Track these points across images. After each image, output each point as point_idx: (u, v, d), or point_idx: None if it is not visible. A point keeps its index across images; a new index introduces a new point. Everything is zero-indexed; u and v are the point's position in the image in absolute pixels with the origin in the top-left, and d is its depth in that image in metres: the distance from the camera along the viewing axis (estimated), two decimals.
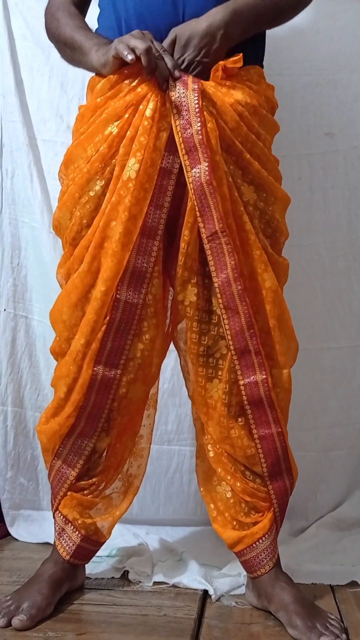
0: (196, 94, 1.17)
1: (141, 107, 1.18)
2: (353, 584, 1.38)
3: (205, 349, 1.25)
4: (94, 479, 1.31)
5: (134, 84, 1.20)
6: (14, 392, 1.72)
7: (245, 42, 1.24)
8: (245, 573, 1.31)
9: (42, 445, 1.33)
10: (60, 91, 1.72)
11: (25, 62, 1.71)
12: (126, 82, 1.20)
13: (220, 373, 1.25)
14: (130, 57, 1.13)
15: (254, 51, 1.29)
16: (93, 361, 1.22)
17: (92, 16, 1.35)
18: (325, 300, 1.72)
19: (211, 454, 1.30)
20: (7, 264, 1.72)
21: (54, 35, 1.33)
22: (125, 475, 1.37)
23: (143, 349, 1.26)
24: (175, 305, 1.28)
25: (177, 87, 1.18)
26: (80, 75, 1.56)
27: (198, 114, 1.17)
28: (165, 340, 1.32)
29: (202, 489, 1.34)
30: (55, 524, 1.33)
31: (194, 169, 1.18)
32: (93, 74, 1.29)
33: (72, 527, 1.30)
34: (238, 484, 1.27)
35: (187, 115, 1.17)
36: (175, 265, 1.24)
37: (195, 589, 1.35)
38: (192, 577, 1.37)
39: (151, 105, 1.17)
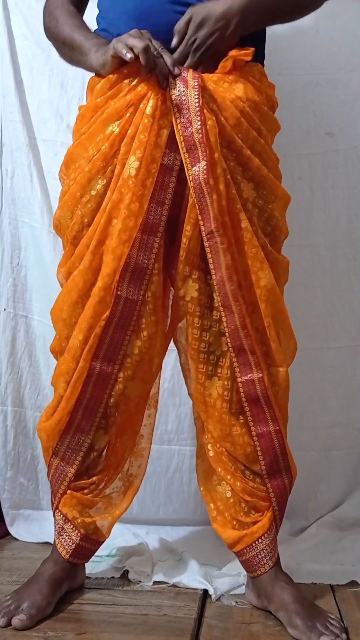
0: (196, 92, 1.17)
1: (142, 105, 1.18)
2: (353, 583, 1.38)
3: (206, 345, 1.25)
4: (93, 478, 1.31)
5: (133, 83, 1.20)
6: (14, 392, 1.72)
7: (246, 40, 1.23)
8: (245, 572, 1.31)
9: (43, 443, 1.33)
10: (60, 91, 1.72)
11: (25, 61, 1.72)
12: (126, 81, 1.20)
13: (220, 370, 1.25)
14: (129, 55, 1.14)
15: (255, 49, 1.28)
16: (91, 355, 1.22)
17: (92, 16, 1.35)
18: (325, 300, 1.72)
19: (211, 454, 1.30)
20: (7, 263, 1.72)
21: (52, 34, 1.33)
22: (126, 474, 1.37)
23: (141, 346, 1.26)
24: (176, 302, 1.28)
25: (178, 85, 1.18)
26: (80, 75, 1.56)
27: (198, 113, 1.17)
28: (165, 339, 1.32)
29: (202, 489, 1.34)
30: (55, 522, 1.33)
31: (194, 167, 1.18)
32: (93, 74, 1.29)
33: (71, 526, 1.30)
34: (238, 484, 1.27)
35: (187, 113, 1.18)
36: (176, 263, 1.25)
37: (195, 589, 1.35)
38: (192, 577, 1.37)
39: (151, 103, 1.18)
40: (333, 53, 1.70)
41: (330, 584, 1.38)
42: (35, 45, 1.69)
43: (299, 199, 1.67)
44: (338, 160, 1.71)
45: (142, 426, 1.38)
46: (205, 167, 1.17)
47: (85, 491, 1.31)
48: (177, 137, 1.18)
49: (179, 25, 1.19)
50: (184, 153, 1.18)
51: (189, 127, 1.17)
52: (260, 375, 1.22)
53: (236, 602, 1.30)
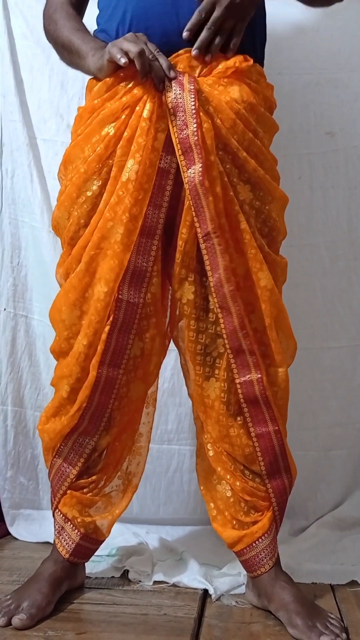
0: (192, 95, 1.17)
1: (138, 108, 1.18)
2: (353, 583, 1.38)
3: (202, 347, 1.25)
4: (93, 477, 1.31)
5: (129, 85, 1.20)
6: (14, 392, 1.72)
7: (246, 40, 1.23)
8: (245, 572, 1.31)
9: (44, 444, 1.33)
10: (61, 90, 1.72)
11: (25, 61, 1.72)
12: (122, 84, 1.21)
13: (217, 372, 1.26)
14: (123, 60, 1.14)
15: (253, 50, 1.29)
16: (98, 362, 1.22)
17: (92, 16, 1.35)
18: (325, 300, 1.72)
19: (211, 453, 1.30)
20: (7, 263, 1.72)
21: (52, 37, 1.33)
22: (125, 473, 1.37)
23: (143, 348, 1.27)
24: (174, 304, 1.28)
25: (173, 88, 1.18)
26: (81, 75, 1.54)
27: (194, 116, 1.17)
28: (164, 339, 1.33)
29: (202, 488, 1.34)
30: (54, 522, 1.33)
31: (190, 170, 1.18)
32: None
33: (71, 525, 1.30)
34: (238, 483, 1.27)
35: (183, 116, 1.17)
36: (173, 264, 1.25)
37: (196, 589, 1.35)
38: (192, 577, 1.37)
39: (148, 106, 1.18)
40: (333, 52, 1.70)
41: (330, 584, 1.38)
42: (35, 44, 1.69)
43: (299, 199, 1.67)
44: (338, 160, 1.71)
45: (140, 424, 1.38)
46: (200, 169, 1.17)
47: (84, 490, 1.31)
48: (173, 140, 1.18)
49: None
50: (180, 155, 1.18)
51: (185, 129, 1.17)
52: (259, 375, 1.22)
53: (236, 601, 1.30)
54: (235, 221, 1.22)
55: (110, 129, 1.20)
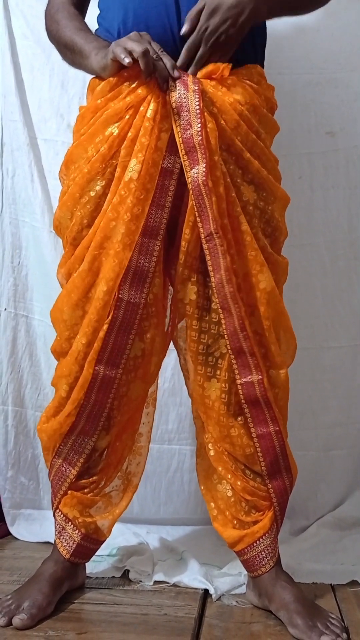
0: (197, 95, 1.17)
1: (141, 108, 1.18)
2: (354, 583, 1.38)
3: (204, 347, 1.25)
4: (94, 477, 1.31)
5: (133, 85, 1.20)
6: (15, 392, 1.72)
7: (246, 41, 1.23)
8: (245, 572, 1.31)
9: (43, 444, 1.33)
10: (61, 90, 1.72)
11: (25, 61, 1.71)
12: (126, 84, 1.20)
13: (219, 372, 1.26)
14: (127, 60, 1.13)
15: (254, 50, 1.29)
16: (94, 360, 1.22)
17: (92, 16, 1.35)
18: (325, 300, 1.72)
19: (212, 453, 1.30)
20: (8, 263, 1.72)
21: (54, 37, 1.33)
22: (125, 473, 1.37)
23: (144, 348, 1.27)
24: (175, 304, 1.28)
25: (178, 88, 1.18)
26: (81, 75, 1.55)
27: (199, 115, 1.17)
28: (165, 339, 1.33)
29: (202, 488, 1.34)
30: (55, 522, 1.33)
31: (193, 169, 1.18)
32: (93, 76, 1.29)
33: (72, 525, 1.30)
34: (238, 483, 1.27)
35: (187, 116, 1.17)
36: (175, 264, 1.25)
37: (196, 588, 1.35)
38: (193, 576, 1.37)
39: (152, 106, 1.17)
40: (334, 52, 1.70)
41: (330, 584, 1.38)
42: (35, 44, 1.69)
43: (300, 199, 1.67)
44: (339, 159, 1.71)
45: (141, 424, 1.38)
46: (204, 169, 1.17)
47: (85, 490, 1.31)
48: (177, 140, 1.18)
49: (191, 13, 1.18)
50: (183, 155, 1.18)
51: (189, 129, 1.17)
52: (260, 377, 1.22)
53: (237, 601, 1.30)
54: (237, 222, 1.22)
55: (114, 129, 1.20)
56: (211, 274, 1.20)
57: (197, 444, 1.37)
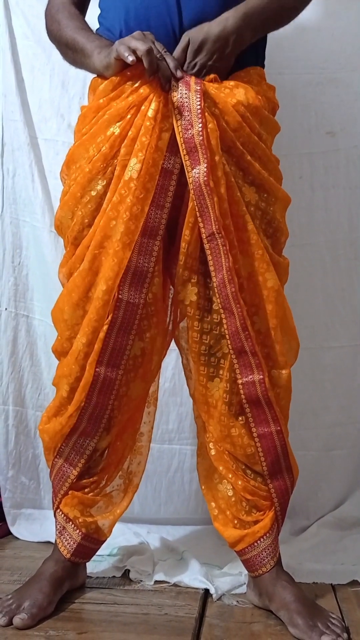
0: (198, 95, 1.17)
1: (143, 107, 1.18)
2: (354, 583, 1.38)
3: (206, 347, 1.25)
4: (94, 477, 1.31)
5: (136, 85, 1.20)
6: (15, 392, 1.72)
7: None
8: (246, 572, 1.32)
9: (44, 444, 1.33)
10: (62, 90, 1.72)
11: (26, 61, 1.71)
12: (128, 83, 1.20)
13: (221, 372, 1.26)
14: (131, 58, 1.13)
15: (254, 52, 1.29)
16: (95, 362, 1.22)
17: (93, 16, 1.35)
18: (326, 299, 1.72)
19: (212, 452, 1.30)
20: (9, 263, 1.72)
21: (55, 37, 1.32)
22: (126, 472, 1.37)
23: (144, 348, 1.27)
24: (176, 305, 1.28)
25: (180, 88, 1.18)
26: (82, 74, 1.56)
27: (200, 115, 1.17)
28: (165, 338, 1.33)
29: (203, 487, 1.34)
30: (56, 522, 1.33)
31: (194, 170, 1.18)
32: (95, 75, 1.29)
33: (73, 525, 1.30)
34: (239, 482, 1.27)
35: (188, 116, 1.17)
36: (176, 264, 1.25)
37: (197, 588, 1.35)
38: (193, 576, 1.37)
39: (153, 105, 1.17)
40: (334, 52, 1.70)
41: (331, 584, 1.38)
42: (36, 44, 1.69)
43: (300, 199, 1.66)
44: (339, 159, 1.71)
45: (141, 424, 1.38)
46: (205, 169, 1.17)
47: (86, 490, 1.31)
48: (178, 139, 1.18)
49: (177, 52, 1.19)
50: (184, 155, 1.18)
51: (190, 129, 1.17)
52: (261, 377, 1.22)
53: (237, 601, 1.30)
54: (242, 222, 1.22)
55: (115, 129, 1.20)
56: (212, 274, 1.20)
57: (198, 444, 1.37)
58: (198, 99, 1.17)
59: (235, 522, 1.29)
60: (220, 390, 1.26)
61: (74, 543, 1.30)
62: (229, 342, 1.22)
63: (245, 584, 1.34)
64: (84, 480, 1.31)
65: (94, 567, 1.41)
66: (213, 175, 1.18)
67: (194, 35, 1.19)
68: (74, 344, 1.25)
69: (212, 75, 1.21)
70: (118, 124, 1.20)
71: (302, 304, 1.66)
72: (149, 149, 1.17)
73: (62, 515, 1.31)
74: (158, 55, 1.16)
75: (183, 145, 1.18)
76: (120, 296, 1.21)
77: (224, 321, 1.21)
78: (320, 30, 1.69)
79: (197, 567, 1.41)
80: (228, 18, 1.19)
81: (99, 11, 1.33)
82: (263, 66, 1.32)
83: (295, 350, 1.33)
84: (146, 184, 1.18)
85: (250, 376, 1.22)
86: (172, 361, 1.61)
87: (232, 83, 1.22)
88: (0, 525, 1.68)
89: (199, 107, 1.17)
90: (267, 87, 1.29)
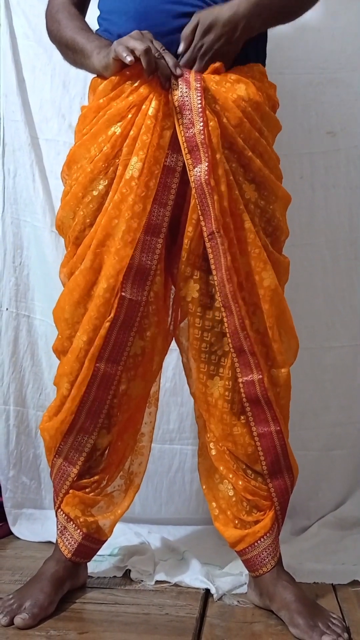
0: (199, 93, 1.17)
1: (144, 107, 1.18)
2: (355, 583, 1.38)
3: (207, 345, 1.25)
4: (95, 477, 1.31)
5: (135, 84, 1.20)
6: (16, 391, 1.72)
7: (247, 41, 1.23)
8: (247, 572, 1.32)
9: (45, 443, 1.33)
10: (62, 90, 1.72)
11: (27, 61, 1.71)
12: (128, 82, 1.20)
13: (221, 370, 1.26)
14: (129, 58, 1.13)
15: (255, 49, 1.29)
16: (95, 357, 1.22)
17: (93, 16, 1.35)
18: (326, 299, 1.72)
19: (213, 452, 1.30)
20: (10, 263, 1.72)
21: (55, 37, 1.33)
22: (127, 472, 1.38)
23: (144, 346, 1.27)
24: (177, 302, 1.28)
25: (180, 86, 1.18)
26: (82, 74, 1.56)
27: (200, 114, 1.17)
28: (166, 337, 1.33)
29: (204, 487, 1.34)
30: (57, 522, 1.33)
31: (196, 168, 1.18)
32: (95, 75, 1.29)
33: (74, 525, 1.30)
34: (240, 482, 1.27)
35: (189, 114, 1.17)
36: (177, 262, 1.25)
37: (197, 588, 1.35)
38: (194, 576, 1.38)
39: (154, 104, 1.17)
40: (334, 52, 1.70)
41: (332, 584, 1.38)
42: (37, 44, 1.69)
43: (301, 199, 1.67)
44: (340, 159, 1.71)
45: (143, 424, 1.38)
46: (206, 167, 1.17)
47: (87, 490, 1.31)
48: (179, 138, 1.18)
49: (186, 31, 1.19)
50: (186, 154, 1.18)
51: (191, 128, 1.17)
52: (260, 376, 1.22)
53: (238, 601, 1.31)
54: (240, 220, 1.22)
55: (116, 128, 1.20)
56: (213, 272, 1.20)
57: (198, 444, 1.37)
58: (199, 97, 1.17)
59: (236, 522, 1.29)
60: (221, 388, 1.26)
61: (75, 543, 1.30)
62: (229, 340, 1.22)
63: (246, 584, 1.34)
64: (85, 480, 1.31)
65: (95, 567, 1.41)
66: (214, 174, 1.18)
67: (204, 16, 1.18)
68: (74, 342, 1.25)
69: (217, 64, 1.20)
70: (119, 124, 1.20)
71: (302, 303, 1.66)
72: (150, 147, 1.17)
73: (63, 514, 1.31)
74: (156, 54, 1.16)
75: (185, 144, 1.18)
76: (123, 294, 1.21)
77: (225, 319, 1.21)
78: (320, 30, 1.69)
79: (198, 567, 1.41)
80: (240, 3, 1.19)
81: (98, 13, 1.33)
82: (264, 64, 1.32)
83: (295, 350, 1.33)
84: (148, 182, 1.18)
85: (250, 375, 1.22)
86: (173, 361, 1.61)
87: (233, 77, 1.22)
88: (1, 525, 1.68)
89: (199, 105, 1.17)
90: (268, 84, 1.30)
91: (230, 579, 1.37)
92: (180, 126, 1.18)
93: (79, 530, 1.30)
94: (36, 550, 1.54)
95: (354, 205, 1.72)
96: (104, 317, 1.22)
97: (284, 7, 1.27)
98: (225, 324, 1.22)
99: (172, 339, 1.35)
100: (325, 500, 1.71)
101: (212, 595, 1.33)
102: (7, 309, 1.72)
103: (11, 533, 1.66)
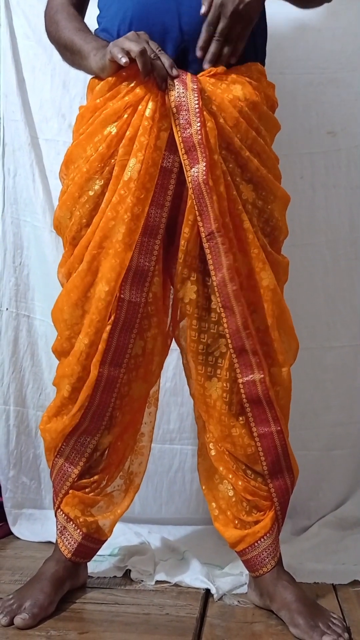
0: (196, 94, 1.17)
1: (140, 107, 1.18)
2: (355, 583, 1.38)
3: (204, 347, 1.25)
4: (95, 477, 1.31)
5: (132, 85, 1.20)
6: (16, 391, 1.72)
7: (249, 38, 1.23)
8: (247, 572, 1.31)
9: (45, 444, 1.33)
10: (62, 90, 1.72)
11: (27, 61, 1.71)
12: (124, 83, 1.20)
13: (219, 372, 1.26)
14: (124, 60, 1.13)
15: (254, 48, 1.28)
16: (99, 362, 1.22)
17: (92, 16, 1.35)
18: (327, 299, 1.72)
19: (213, 452, 1.30)
20: (10, 263, 1.72)
21: (54, 38, 1.33)
22: (127, 473, 1.37)
23: (144, 347, 1.27)
24: (175, 303, 1.28)
25: (177, 87, 1.18)
26: (82, 75, 1.54)
27: (198, 114, 1.17)
28: (166, 338, 1.33)
29: (203, 487, 1.34)
30: (57, 522, 1.33)
31: (193, 169, 1.18)
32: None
33: (73, 525, 1.30)
34: (240, 483, 1.27)
35: (186, 115, 1.17)
36: (175, 263, 1.25)
37: (198, 588, 1.35)
38: (194, 576, 1.37)
39: (151, 105, 1.17)
40: (335, 52, 1.70)
41: (332, 584, 1.38)
42: (37, 44, 1.69)
43: (301, 198, 1.67)
44: (340, 159, 1.71)
45: (142, 424, 1.38)
46: (204, 168, 1.17)
47: (87, 490, 1.31)
48: (176, 139, 1.18)
49: (205, 5, 1.17)
50: (183, 154, 1.18)
51: (188, 128, 1.17)
52: (262, 375, 1.22)
53: (238, 601, 1.31)
54: (239, 220, 1.22)
55: (112, 128, 1.20)
56: (212, 272, 1.20)
57: (198, 444, 1.37)
58: (196, 98, 1.17)
59: (236, 522, 1.29)
60: (219, 389, 1.26)
61: (74, 543, 1.30)
62: (229, 341, 1.22)
63: (246, 584, 1.34)
64: (85, 480, 1.31)
65: (95, 567, 1.41)
66: (212, 174, 1.18)
67: None
68: (75, 345, 1.25)
69: (218, 68, 1.20)
70: (115, 124, 1.20)
71: (303, 303, 1.66)
72: (148, 149, 1.17)
73: (63, 515, 1.31)
74: (152, 55, 1.15)
75: (181, 145, 1.18)
76: (122, 296, 1.21)
77: (224, 320, 1.21)
78: (321, 30, 1.69)
79: (198, 567, 1.41)
80: None
81: (97, 12, 1.33)
82: (263, 63, 1.32)
83: (295, 350, 1.32)
84: (146, 184, 1.18)
85: (251, 375, 1.22)
86: (173, 361, 1.61)
87: (229, 78, 1.22)
88: (1, 525, 1.68)
89: (197, 105, 1.17)
90: (266, 84, 1.29)
91: (230, 579, 1.37)
92: (177, 127, 1.18)
93: (78, 530, 1.30)
94: (36, 550, 1.54)
95: (355, 205, 1.72)
96: (106, 320, 1.22)
97: None
98: (225, 325, 1.21)
99: (172, 340, 1.35)
100: (326, 500, 1.71)
101: (212, 595, 1.32)
102: (7, 309, 1.72)
103: (11, 533, 1.66)
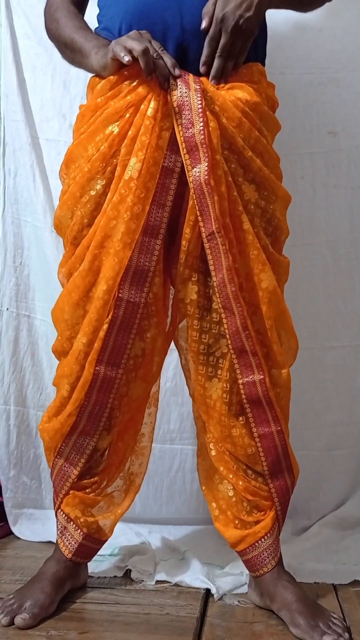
0: (199, 94, 1.17)
1: (142, 107, 1.18)
2: (355, 583, 1.38)
3: (205, 347, 1.25)
4: (95, 477, 1.31)
5: (134, 84, 1.19)
6: (17, 391, 1.72)
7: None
8: (247, 572, 1.31)
9: (45, 443, 1.33)
10: (63, 90, 1.72)
11: (27, 61, 1.72)
12: (126, 82, 1.20)
13: (220, 372, 1.26)
14: (127, 58, 1.13)
15: (254, 49, 1.28)
16: (95, 360, 1.22)
17: (92, 15, 1.35)
18: (327, 299, 1.72)
19: (213, 453, 1.30)
20: (10, 263, 1.72)
21: (54, 36, 1.33)
22: (127, 473, 1.37)
23: (144, 347, 1.27)
24: (176, 304, 1.28)
25: (179, 87, 1.18)
26: (83, 74, 1.55)
27: (201, 114, 1.17)
28: (166, 338, 1.32)
29: (203, 488, 1.34)
30: (57, 522, 1.33)
31: (195, 169, 1.18)
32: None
33: (74, 525, 1.30)
34: (240, 483, 1.27)
35: (189, 114, 1.17)
36: (176, 263, 1.25)
37: (198, 588, 1.35)
38: (195, 576, 1.37)
39: (152, 105, 1.17)
40: (335, 52, 1.70)
41: (332, 584, 1.38)
42: (37, 44, 1.69)
43: (302, 198, 1.67)
44: (340, 159, 1.71)
45: (143, 425, 1.38)
46: (206, 168, 1.17)
47: (87, 490, 1.31)
48: (178, 138, 1.18)
49: (207, 6, 1.18)
50: (185, 154, 1.18)
51: (191, 128, 1.17)
52: (262, 376, 1.22)
53: (239, 601, 1.30)
54: (239, 221, 1.22)
55: (114, 128, 1.20)
56: (212, 273, 1.20)
57: (198, 444, 1.37)
58: (199, 98, 1.17)
59: (236, 522, 1.29)
60: (219, 390, 1.25)
61: (75, 543, 1.30)
62: (229, 341, 1.22)
63: (246, 583, 1.34)
64: (85, 481, 1.31)
65: (95, 567, 1.41)
66: (214, 174, 1.18)
67: None
68: (74, 344, 1.25)
69: (221, 85, 1.21)
70: (117, 123, 1.20)
71: (303, 303, 1.66)
72: (149, 148, 1.17)
73: (63, 515, 1.31)
74: (155, 54, 1.15)
75: (183, 144, 1.18)
76: (120, 295, 1.21)
77: (224, 320, 1.21)
78: (321, 30, 1.69)
79: (198, 567, 1.41)
80: None
81: (97, 10, 1.33)
82: (264, 63, 1.32)
83: (295, 350, 1.32)
84: (147, 183, 1.18)
85: (251, 376, 1.22)
86: (173, 361, 1.61)
87: (228, 85, 1.22)
88: (2, 525, 1.68)
89: (199, 105, 1.17)
90: (266, 84, 1.29)
91: (230, 578, 1.37)
92: (179, 126, 1.18)
93: (79, 531, 1.30)
94: (36, 550, 1.54)
95: (355, 205, 1.72)
96: (103, 319, 1.21)
97: None
98: (225, 325, 1.21)
99: (172, 340, 1.35)
100: (326, 500, 1.71)
101: (212, 595, 1.32)
102: (7, 309, 1.72)
103: (11, 533, 1.67)
